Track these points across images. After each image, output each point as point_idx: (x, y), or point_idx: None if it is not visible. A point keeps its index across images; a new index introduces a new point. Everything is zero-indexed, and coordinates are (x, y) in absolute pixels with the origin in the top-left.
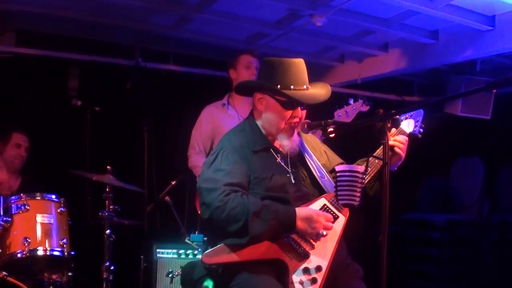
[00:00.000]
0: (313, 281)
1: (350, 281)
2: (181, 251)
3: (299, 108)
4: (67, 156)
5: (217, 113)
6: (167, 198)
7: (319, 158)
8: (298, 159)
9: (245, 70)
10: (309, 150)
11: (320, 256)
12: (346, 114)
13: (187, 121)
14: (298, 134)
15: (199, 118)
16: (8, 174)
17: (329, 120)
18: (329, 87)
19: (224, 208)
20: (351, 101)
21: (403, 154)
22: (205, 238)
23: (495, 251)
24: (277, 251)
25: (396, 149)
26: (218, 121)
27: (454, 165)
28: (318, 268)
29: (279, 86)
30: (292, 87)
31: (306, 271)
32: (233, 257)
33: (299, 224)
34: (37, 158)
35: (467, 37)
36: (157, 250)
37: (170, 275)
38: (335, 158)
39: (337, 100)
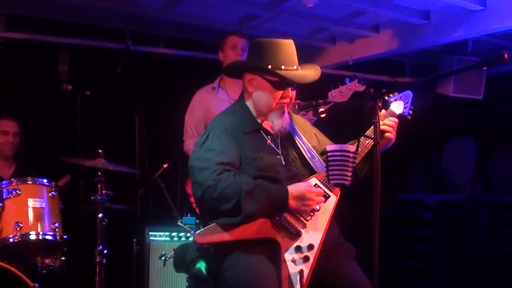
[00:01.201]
0: (305, 259)
1: (343, 260)
2: (173, 234)
3: (289, 88)
4: (59, 141)
5: (208, 97)
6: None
7: (310, 140)
8: (288, 140)
9: (231, 51)
10: (299, 132)
11: (312, 235)
12: (340, 94)
13: (179, 104)
14: (289, 114)
15: (191, 103)
16: (1, 162)
17: (319, 101)
18: (319, 68)
19: (217, 187)
20: (347, 81)
21: (393, 138)
22: (198, 221)
23: (487, 230)
24: (269, 230)
25: (387, 133)
26: (209, 105)
27: (446, 145)
28: (310, 247)
29: (269, 66)
30: (282, 67)
31: (298, 249)
32: (225, 236)
33: (292, 202)
34: (28, 144)
35: (459, 17)
36: (150, 233)
37: (163, 258)
38: (325, 141)
39: (329, 81)
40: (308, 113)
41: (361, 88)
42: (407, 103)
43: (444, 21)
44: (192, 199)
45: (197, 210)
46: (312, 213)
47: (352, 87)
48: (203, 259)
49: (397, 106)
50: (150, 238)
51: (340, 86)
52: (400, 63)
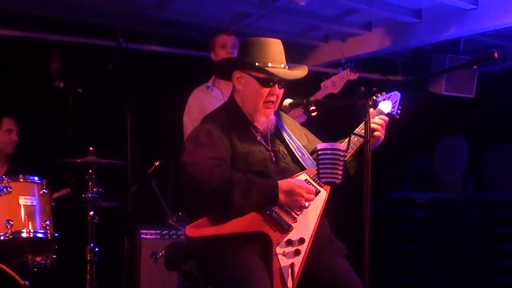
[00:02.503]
0: (296, 252)
1: (333, 258)
2: (164, 232)
3: (276, 86)
4: (50, 138)
5: (203, 96)
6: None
7: (299, 139)
8: (277, 138)
9: (221, 50)
10: (288, 130)
11: (303, 229)
12: (333, 84)
13: (171, 102)
14: (277, 114)
15: (187, 103)
16: None
17: (310, 99)
18: (307, 68)
19: (208, 181)
20: (340, 70)
21: (381, 136)
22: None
23: (479, 229)
24: (260, 224)
25: (376, 132)
26: (204, 104)
27: (438, 143)
28: (301, 240)
29: (257, 64)
30: (270, 64)
31: (290, 243)
32: (216, 230)
33: (281, 196)
34: (20, 140)
35: (450, 16)
36: (141, 231)
37: (154, 256)
38: (315, 141)
39: (321, 80)
40: (298, 114)
41: (354, 76)
42: (395, 102)
43: (436, 19)
44: None
45: None
46: (301, 210)
47: (344, 76)
48: (194, 258)
49: (385, 106)
50: (141, 236)
51: (333, 76)
52: (392, 62)
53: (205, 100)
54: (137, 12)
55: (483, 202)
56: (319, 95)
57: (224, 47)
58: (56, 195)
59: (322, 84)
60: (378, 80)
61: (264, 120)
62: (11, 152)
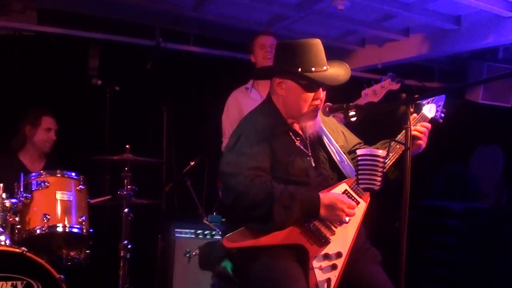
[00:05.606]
0: (333, 267)
1: (368, 265)
2: (199, 231)
3: (320, 90)
4: (87, 135)
5: (241, 97)
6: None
7: (337, 139)
8: (317, 142)
9: (260, 51)
10: (328, 133)
11: (341, 242)
12: (374, 93)
13: (207, 103)
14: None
15: (226, 103)
16: (33, 158)
17: (351, 104)
18: (347, 66)
19: (248, 194)
20: (382, 79)
21: (423, 144)
22: (223, 219)
23: None
24: (298, 237)
25: (417, 140)
26: (242, 105)
27: (473, 152)
28: (338, 254)
29: (299, 69)
30: (313, 69)
31: (327, 257)
32: (253, 241)
33: (323, 211)
34: (57, 137)
35: (490, 23)
36: (175, 229)
37: (187, 255)
38: (352, 139)
39: (357, 84)
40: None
41: (395, 86)
42: (439, 106)
43: (475, 27)
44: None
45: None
46: (339, 225)
47: (385, 85)
48: (229, 259)
49: (429, 110)
50: (176, 235)
51: (374, 85)
52: (429, 68)
53: (243, 101)
54: (175, 13)
55: None
56: (359, 103)
57: (262, 48)
58: (94, 201)
59: (362, 92)
60: (414, 87)
61: (311, 124)
62: (48, 151)
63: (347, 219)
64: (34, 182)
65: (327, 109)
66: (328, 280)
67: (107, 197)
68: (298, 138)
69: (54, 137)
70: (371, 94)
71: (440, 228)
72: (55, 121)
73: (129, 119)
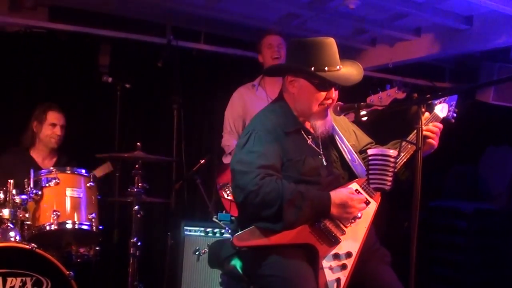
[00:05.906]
0: (343, 267)
1: (378, 266)
2: (208, 229)
3: (332, 89)
4: (97, 132)
5: (247, 94)
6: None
7: (349, 138)
8: (329, 140)
9: (267, 50)
10: (339, 132)
11: (351, 242)
12: (379, 100)
13: (217, 100)
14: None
15: (231, 99)
16: (44, 154)
17: (362, 103)
18: (360, 65)
19: (259, 192)
20: (388, 87)
21: (435, 144)
22: (233, 217)
23: None
24: (308, 236)
25: (429, 139)
26: (247, 102)
27: (484, 153)
28: (348, 254)
29: (313, 68)
30: (326, 68)
31: (336, 256)
32: (263, 240)
33: (334, 210)
34: (67, 134)
35: (502, 24)
36: (185, 227)
37: (197, 253)
38: (364, 138)
39: (367, 83)
40: (349, 113)
41: (401, 95)
42: (451, 106)
43: (486, 27)
44: (221, 193)
45: (225, 206)
46: (353, 220)
47: (391, 93)
48: (238, 257)
49: (441, 109)
50: (185, 232)
51: (380, 92)
52: (440, 68)
53: (248, 98)
54: (186, 11)
55: None
56: None
57: (270, 47)
58: (98, 173)
59: (368, 99)
60: (424, 86)
61: (321, 123)
62: (54, 146)
63: (359, 214)
64: (44, 178)
65: (338, 108)
66: (338, 280)
67: (107, 166)
68: (310, 137)
69: (60, 133)
70: (377, 101)
71: (449, 229)
72: (62, 116)
73: (139, 117)
